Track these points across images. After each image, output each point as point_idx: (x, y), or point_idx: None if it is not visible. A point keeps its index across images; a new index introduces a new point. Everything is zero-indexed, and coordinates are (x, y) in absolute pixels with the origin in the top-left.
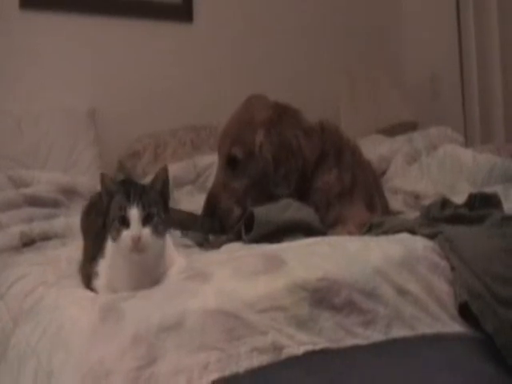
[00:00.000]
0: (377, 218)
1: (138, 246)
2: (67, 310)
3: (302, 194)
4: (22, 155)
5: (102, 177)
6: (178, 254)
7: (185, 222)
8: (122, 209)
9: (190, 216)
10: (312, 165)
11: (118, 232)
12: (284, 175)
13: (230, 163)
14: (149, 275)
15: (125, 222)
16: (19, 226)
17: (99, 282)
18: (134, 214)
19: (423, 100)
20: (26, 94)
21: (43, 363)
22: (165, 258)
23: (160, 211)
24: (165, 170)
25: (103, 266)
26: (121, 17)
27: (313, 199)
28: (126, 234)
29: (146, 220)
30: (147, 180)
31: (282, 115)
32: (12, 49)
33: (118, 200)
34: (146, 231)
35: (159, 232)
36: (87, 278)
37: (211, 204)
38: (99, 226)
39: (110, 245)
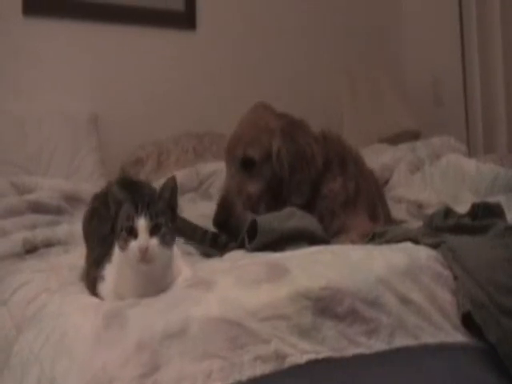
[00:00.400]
0: (380, 227)
1: (145, 256)
2: (70, 317)
3: (309, 202)
4: (24, 161)
5: (110, 185)
6: (184, 263)
7: (187, 233)
8: (130, 219)
9: (193, 227)
10: (320, 173)
11: (126, 242)
12: (298, 183)
13: (245, 165)
14: (156, 284)
15: (132, 232)
16: (22, 232)
17: (105, 287)
18: (142, 224)
19: (425, 107)
20: (28, 99)
21: (46, 370)
22: (172, 268)
23: (168, 221)
24: (173, 180)
25: (110, 272)
26: (124, 24)
27: (319, 207)
28: (134, 245)
29: (153, 230)
30: None
31: (294, 123)
32: (15, 54)
33: (125, 209)
34: (154, 242)
35: (167, 242)
36: (92, 282)
37: (225, 209)
38: (105, 231)
39: (117, 252)
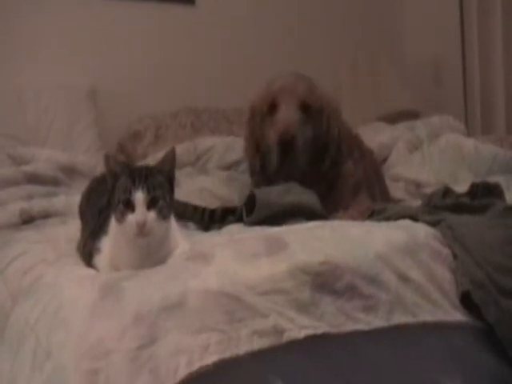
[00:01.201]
0: (379, 205)
1: (143, 230)
2: (67, 289)
3: (331, 181)
4: (22, 133)
5: (107, 158)
6: (182, 236)
7: (186, 215)
8: (127, 191)
9: (192, 207)
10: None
11: (123, 215)
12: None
13: (303, 109)
14: (152, 257)
15: (129, 205)
16: (19, 203)
17: (101, 259)
18: (139, 197)
19: (425, 87)
20: (26, 71)
21: (42, 342)
22: (169, 241)
23: (165, 194)
24: (173, 152)
25: (106, 244)
26: None
27: (341, 186)
28: (131, 219)
29: (151, 203)
30: (148, 161)
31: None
32: (15, 26)
33: (123, 182)
34: (151, 215)
35: (164, 215)
36: (88, 254)
37: (288, 138)
38: (102, 204)
39: (113, 224)
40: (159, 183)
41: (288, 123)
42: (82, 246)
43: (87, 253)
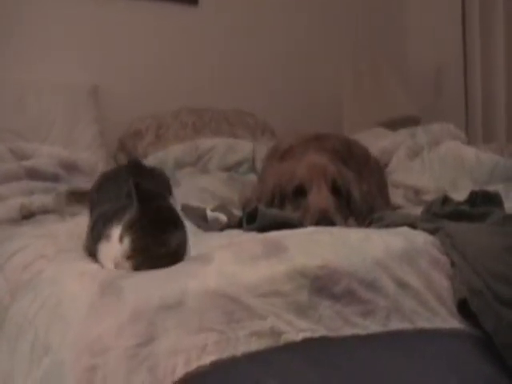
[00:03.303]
0: (378, 213)
1: None
2: (66, 285)
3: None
4: (23, 129)
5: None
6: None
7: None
8: None
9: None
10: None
11: None
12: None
13: (334, 191)
14: None
15: None
16: (19, 198)
17: (109, 249)
18: None
19: (426, 96)
20: (29, 68)
21: (40, 336)
22: None
23: None
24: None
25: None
26: None
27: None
28: None
29: None
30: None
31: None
32: (17, 23)
33: None
34: None
35: None
36: (96, 237)
37: (326, 216)
38: (121, 192)
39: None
40: None
41: (324, 208)
42: (89, 229)
43: (95, 236)
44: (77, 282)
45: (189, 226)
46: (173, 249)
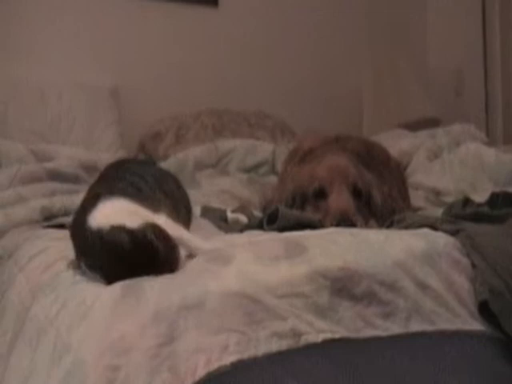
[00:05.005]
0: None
1: None
2: (87, 286)
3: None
4: (44, 130)
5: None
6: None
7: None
8: None
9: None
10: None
11: None
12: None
13: (355, 193)
14: None
15: None
16: (40, 200)
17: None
18: None
19: (446, 97)
20: (50, 69)
21: (62, 336)
22: None
23: None
24: None
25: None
26: None
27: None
28: None
29: None
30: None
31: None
32: (39, 25)
33: None
34: None
35: None
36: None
37: (347, 218)
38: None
39: None
40: None
41: (345, 210)
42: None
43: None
44: (98, 283)
45: (210, 227)
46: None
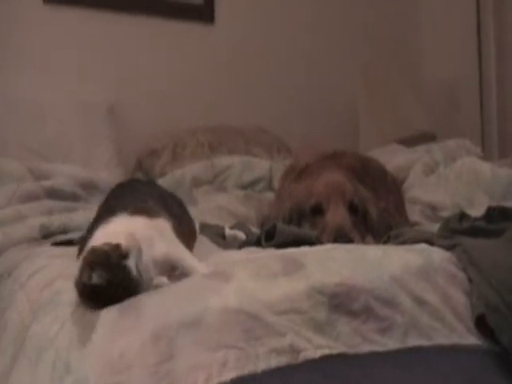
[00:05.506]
0: (395, 230)
1: None
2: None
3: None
4: (41, 148)
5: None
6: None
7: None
8: None
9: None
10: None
11: None
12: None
13: (351, 209)
14: None
15: None
16: (39, 218)
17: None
18: None
19: (442, 111)
20: (46, 86)
21: (62, 354)
22: None
23: None
24: None
25: None
26: (143, 15)
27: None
28: None
29: None
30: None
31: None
32: (35, 42)
33: None
34: None
35: None
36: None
37: (344, 234)
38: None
39: None
40: None
41: (341, 226)
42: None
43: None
44: None
45: (208, 243)
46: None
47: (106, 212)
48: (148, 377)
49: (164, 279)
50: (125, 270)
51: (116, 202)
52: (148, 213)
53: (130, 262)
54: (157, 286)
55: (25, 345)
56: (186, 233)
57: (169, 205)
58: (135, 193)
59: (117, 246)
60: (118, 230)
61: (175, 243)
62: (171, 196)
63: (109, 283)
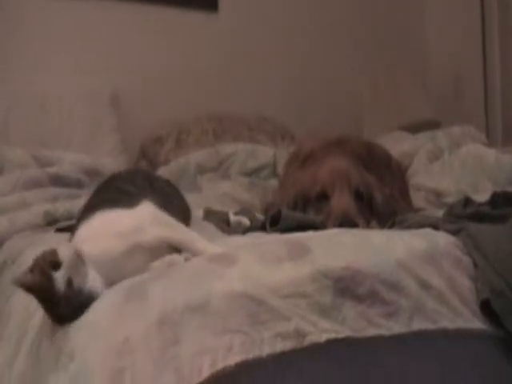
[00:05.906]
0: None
1: None
2: None
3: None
4: (46, 137)
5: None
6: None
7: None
8: None
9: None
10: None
11: None
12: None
13: (357, 195)
14: None
15: None
16: (43, 205)
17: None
18: None
19: (446, 100)
20: (50, 76)
21: (66, 341)
22: None
23: None
24: None
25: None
26: (147, 3)
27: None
28: None
29: None
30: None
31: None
32: (39, 32)
33: None
34: None
35: None
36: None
37: (349, 219)
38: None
39: None
40: None
41: (346, 211)
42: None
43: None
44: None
45: (212, 229)
46: None
47: (89, 207)
48: (153, 361)
49: (177, 256)
50: (49, 278)
51: (96, 197)
52: (127, 203)
53: (59, 273)
54: (171, 264)
55: (29, 332)
56: (178, 210)
57: (154, 184)
58: (117, 182)
59: (53, 254)
60: (97, 228)
61: (171, 225)
62: (157, 178)
63: (32, 287)
